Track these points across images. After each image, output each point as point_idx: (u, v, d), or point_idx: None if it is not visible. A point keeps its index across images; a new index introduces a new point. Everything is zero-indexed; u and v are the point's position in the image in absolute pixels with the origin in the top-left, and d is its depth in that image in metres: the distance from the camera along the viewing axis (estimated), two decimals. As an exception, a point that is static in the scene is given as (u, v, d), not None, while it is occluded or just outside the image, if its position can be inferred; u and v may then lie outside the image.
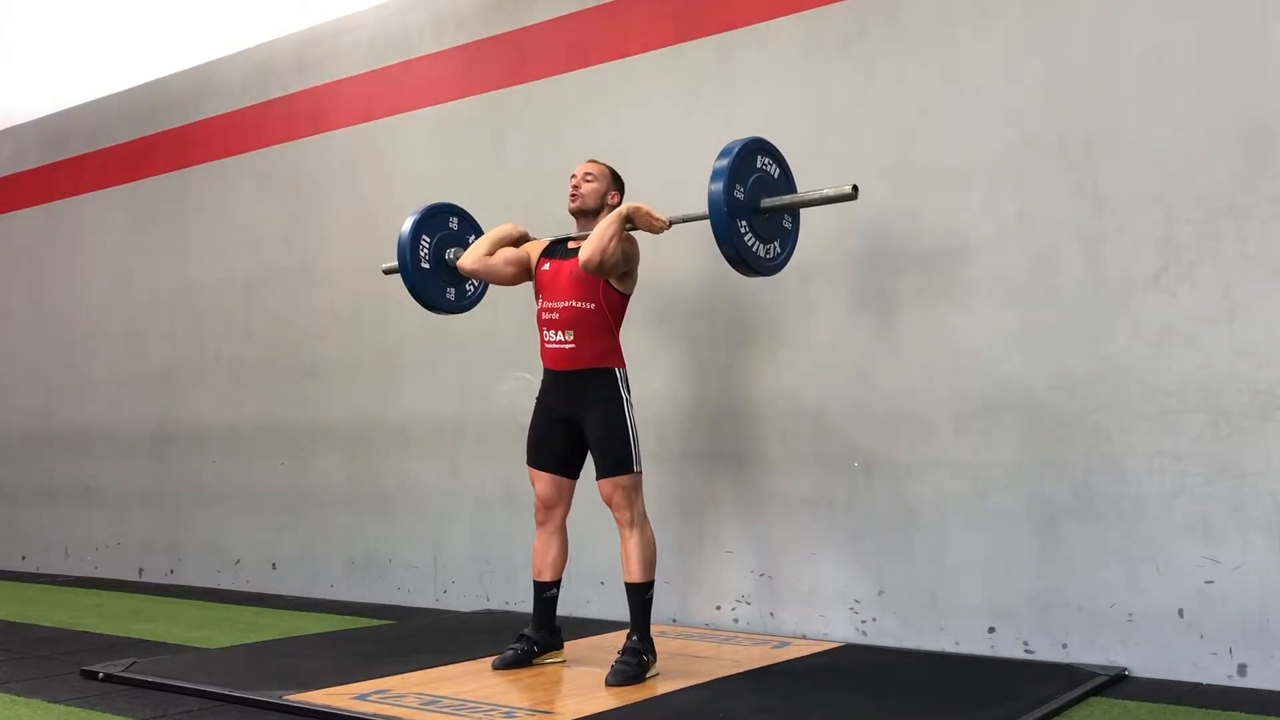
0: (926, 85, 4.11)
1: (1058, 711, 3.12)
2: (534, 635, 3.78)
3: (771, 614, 4.35)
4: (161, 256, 6.73)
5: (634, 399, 3.70)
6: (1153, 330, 3.62)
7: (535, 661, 3.76)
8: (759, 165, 3.53)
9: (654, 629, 3.67)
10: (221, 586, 6.19)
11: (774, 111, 4.43)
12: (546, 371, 3.76)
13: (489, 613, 5.04)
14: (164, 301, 6.70)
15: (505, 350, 5.10)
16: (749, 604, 4.41)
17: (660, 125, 4.77)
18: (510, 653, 3.73)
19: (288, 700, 3.27)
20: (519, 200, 5.00)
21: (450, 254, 4.07)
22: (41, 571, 7.21)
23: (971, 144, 4.00)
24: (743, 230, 3.45)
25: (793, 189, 3.64)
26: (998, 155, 3.95)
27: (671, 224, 3.63)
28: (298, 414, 5.98)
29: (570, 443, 3.73)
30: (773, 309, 4.40)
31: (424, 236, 4.06)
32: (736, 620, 4.43)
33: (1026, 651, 3.80)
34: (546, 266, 3.76)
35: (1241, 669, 3.44)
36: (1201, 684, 3.46)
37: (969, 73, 4.03)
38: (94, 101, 7.22)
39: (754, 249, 3.50)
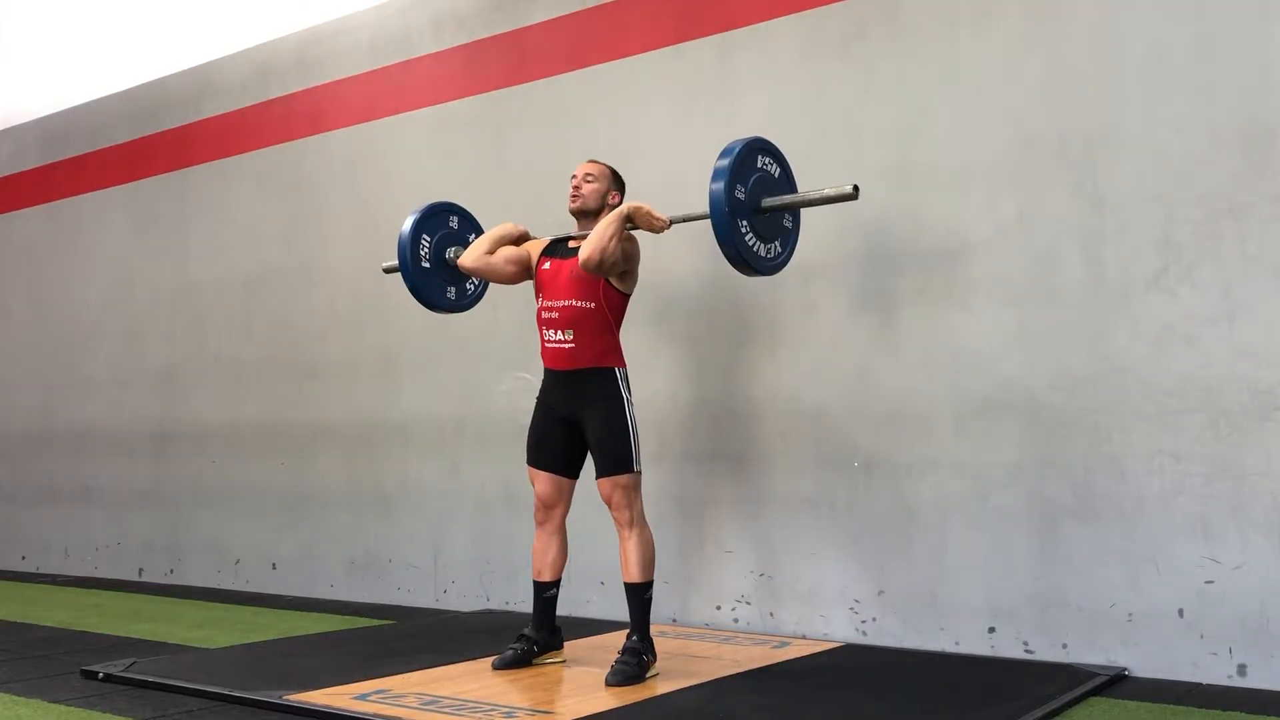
0: (926, 85, 4.11)
1: (1058, 711, 3.12)
2: (534, 635, 3.78)
3: (771, 614, 4.35)
4: (161, 256, 6.73)
5: (634, 398, 3.70)
6: (1153, 330, 3.62)
7: (535, 661, 3.76)
8: (760, 165, 3.53)
9: (654, 629, 3.67)
10: (221, 586, 6.18)
11: (774, 111, 4.43)
12: (546, 371, 3.75)
13: (489, 613, 5.04)
14: (164, 301, 6.70)
15: (505, 350, 5.10)
16: (749, 604, 4.41)
17: (660, 125, 4.77)
18: (510, 653, 3.73)
19: (288, 700, 3.27)
20: (519, 200, 4.99)
21: (450, 253, 4.07)
22: (41, 571, 7.21)
23: (971, 144, 4.00)
24: (743, 230, 3.45)
25: (793, 189, 3.64)
26: (998, 155, 3.95)
27: (672, 223, 3.63)
28: (298, 414, 5.98)
29: (570, 442, 3.73)
30: (773, 309, 4.40)
31: (424, 235, 4.06)
32: (736, 620, 4.43)
33: (1026, 651, 3.80)
34: (547, 265, 3.76)
35: (1241, 669, 3.44)
36: (1201, 684, 3.46)
37: (969, 73, 4.03)
38: (94, 101, 7.22)
39: (755, 249, 3.50)
